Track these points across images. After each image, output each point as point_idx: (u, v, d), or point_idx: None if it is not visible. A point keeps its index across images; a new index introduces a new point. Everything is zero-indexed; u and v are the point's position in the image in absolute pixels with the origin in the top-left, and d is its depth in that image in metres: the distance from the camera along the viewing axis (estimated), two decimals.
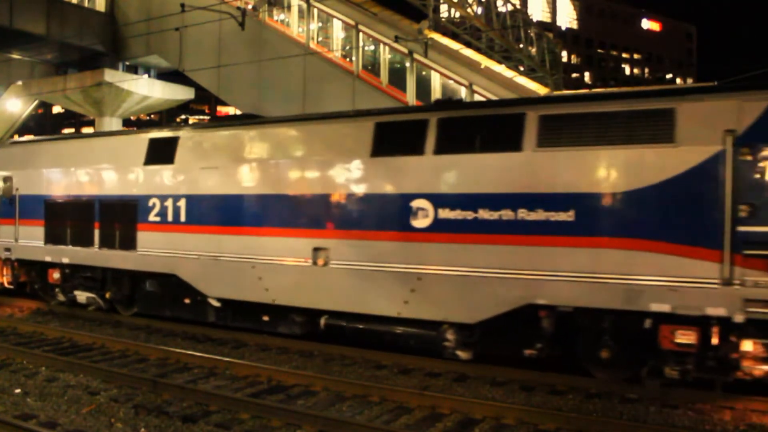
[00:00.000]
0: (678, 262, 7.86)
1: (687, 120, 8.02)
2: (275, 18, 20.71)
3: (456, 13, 22.17)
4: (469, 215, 9.09)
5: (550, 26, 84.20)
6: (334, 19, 19.53)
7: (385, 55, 18.33)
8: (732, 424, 7.39)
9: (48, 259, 13.69)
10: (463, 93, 16.98)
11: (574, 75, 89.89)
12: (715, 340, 7.81)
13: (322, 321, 10.31)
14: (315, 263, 10.20)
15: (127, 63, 24.28)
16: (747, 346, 7.69)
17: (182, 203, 11.68)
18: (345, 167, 10.12)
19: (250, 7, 20.05)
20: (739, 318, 7.56)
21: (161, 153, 12.07)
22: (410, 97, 17.40)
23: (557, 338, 8.80)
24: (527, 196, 8.73)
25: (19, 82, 26.33)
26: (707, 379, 8.06)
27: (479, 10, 21.99)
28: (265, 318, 11.02)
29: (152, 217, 12.05)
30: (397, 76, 18.11)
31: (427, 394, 7.98)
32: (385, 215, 9.70)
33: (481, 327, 9.11)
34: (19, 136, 26.83)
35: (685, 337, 7.94)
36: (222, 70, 20.29)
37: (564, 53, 78.11)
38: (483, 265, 8.94)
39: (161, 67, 24.74)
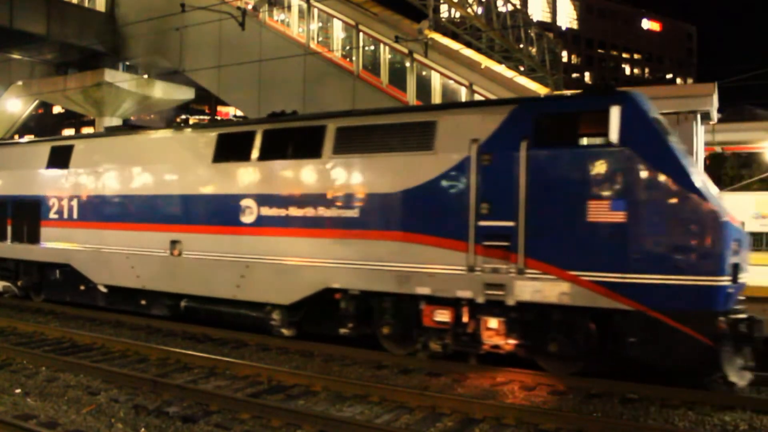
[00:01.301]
0: (436, 251, 9.34)
1: (444, 131, 9.49)
2: (275, 18, 20.72)
3: (456, 13, 22.19)
4: (282, 212, 10.74)
5: (550, 26, 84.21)
6: (335, 19, 19.54)
7: (385, 55, 18.34)
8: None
9: None
10: (463, 93, 17.00)
11: (575, 75, 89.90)
12: (465, 318, 9.28)
13: (182, 303, 12.11)
14: (172, 254, 12.02)
15: (128, 63, 24.29)
16: (489, 323, 9.14)
17: (75, 203, 13.59)
18: (194, 171, 11.89)
19: (250, 7, 20.06)
20: (480, 299, 9.04)
21: (60, 159, 13.99)
22: (410, 97, 17.41)
23: (359, 319, 10.22)
24: (324, 196, 10.36)
25: (20, 82, 26.34)
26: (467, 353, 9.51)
27: (479, 10, 21.99)
28: (143, 302, 12.82)
29: (52, 215, 14.01)
30: (398, 76, 18.12)
31: (427, 394, 7.98)
32: (222, 212, 11.40)
33: (296, 307, 10.72)
34: (20, 136, 26.83)
35: (442, 316, 9.42)
36: (222, 71, 20.29)
37: (564, 53, 78.11)
38: (293, 255, 10.58)
39: (161, 67, 24.73)
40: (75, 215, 13.55)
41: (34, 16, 20.97)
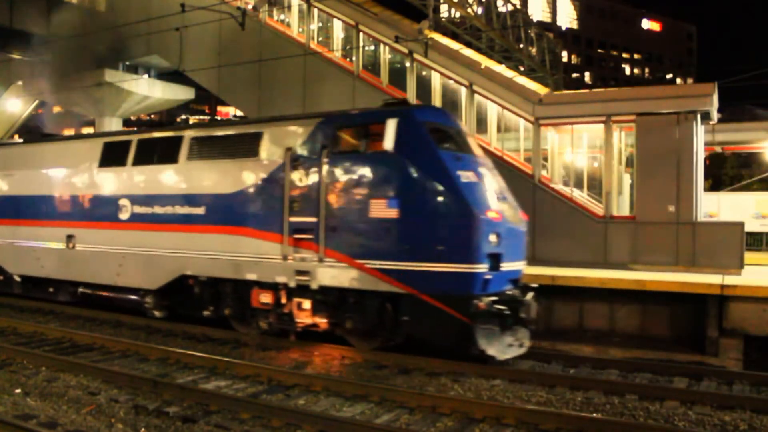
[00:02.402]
0: (260, 243, 10.90)
1: (267, 141, 11.08)
2: (275, 18, 20.71)
3: (456, 13, 22.18)
4: (149, 210, 12.47)
5: (550, 26, 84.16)
6: (335, 19, 19.53)
7: (385, 55, 18.33)
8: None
9: None
10: (463, 93, 16.98)
11: (575, 75, 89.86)
12: (283, 300, 10.79)
13: (79, 290, 13.90)
14: (68, 247, 13.85)
15: (128, 63, 24.26)
16: (301, 304, 10.60)
17: None
18: (84, 175, 13.73)
19: (250, 7, 20.05)
20: (292, 284, 10.54)
21: None
22: (411, 97, 17.38)
23: (214, 302, 11.81)
24: (180, 196, 12.03)
25: (19, 82, 26.33)
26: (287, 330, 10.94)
27: (479, 10, 21.99)
28: (50, 289, 14.54)
29: None
30: (398, 76, 18.10)
31: (427, 394, 7.99)
32: (105, 211, 13.19)
33: (164, 292, 12.44)
34: (20, 136, 26.83)
35: (266, 298, 10.97)
36: (222, 71, 20.29)
37: (564, 53, 78.07)
38: (157, 247, 12.28)
39: (162, 67, 24.72)
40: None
41: (34, 16, 20.97)
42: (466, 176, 9.66)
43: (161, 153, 12.56)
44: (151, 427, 7.04)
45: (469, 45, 20.50)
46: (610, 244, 14.73)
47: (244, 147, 11.39)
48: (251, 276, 11.05)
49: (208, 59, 20.73)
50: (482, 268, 9.36)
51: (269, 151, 11.02)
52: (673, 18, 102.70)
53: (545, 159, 16.34)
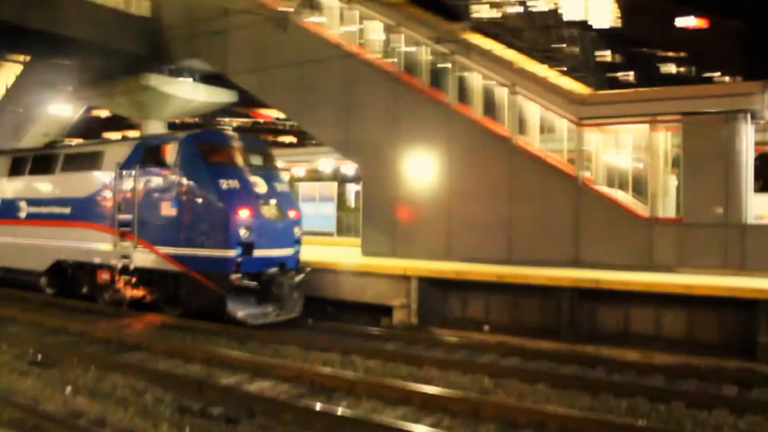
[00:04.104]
0: (101, 234, 14.42)
1: (107, 156, 14.78)
2: (315, 20, 20.79)
3: (496, 14, 21.99)
4: (37, 210, 16.29)
5: (592, 25, 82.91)
6: (375, 21, 19.53)
7: (425, 57, 18.28)
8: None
9: None
10: (505, 94, 16.83)
11: (618, 74, 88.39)
12: (116, 278, 14.28)
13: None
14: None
15: (171, 67, 24.62)
16: (125, 281, 14.12)
17: None
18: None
19: (290, 10, 20.19)
20: (120, 265, 14.00)
21: None
22: (452, 99, 17.30)
23: (82, 282, 15.39)
24: (54, 199, 15.80)
25: (69, 87, 27.02)
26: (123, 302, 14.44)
27: (520, 11, 21.75)
28: None
29: None
30: (439, 78, 18.03)
31: (470, 399, 7.94)
32: (12, 210, 16.96)
33: (52, 275, 16.03)
34: (70, 139, 27.55)
35: (105, 276, 14.59)
36: (264, 73, 20.48)
37: (607, 52, 76.93)
38: (42, 238, 15.94)
39: (204, 71, 25.06)
40: None
41: (81, 23, 21.46)
42: (226, 183, 12.78)
43: (45, 166, 16.43)
44: (195, 427, 7.14)
45: (510, 46, 20.31)
46: (655, 247, 14.45)
47: (93, 162, 15.03)
48: (96, 260, 14.60)
49: (249, 62, 20.95)
50: (233, 253, 12.46)
51: (107, 165, 14.58)
52: (720, 15, 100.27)
53: (588, 160, 16.09)
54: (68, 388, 8.50)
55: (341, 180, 35.01)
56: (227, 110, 65.76)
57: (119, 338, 11.64)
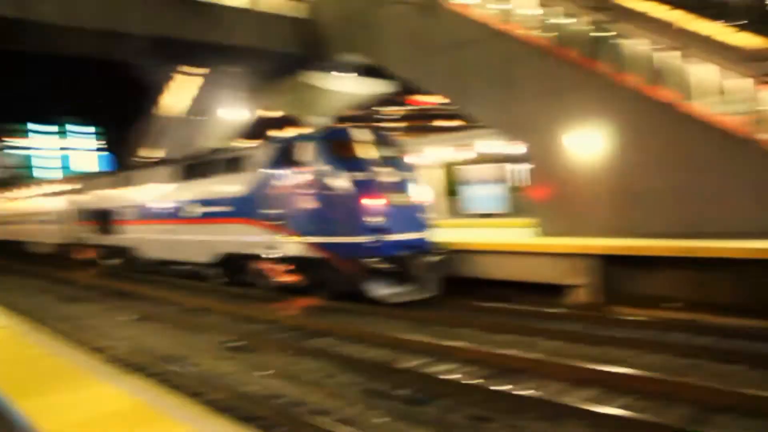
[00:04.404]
0: (259, 229, 15.65)
1: (257, 159, 16.03)
2: (465, 1, 20.60)
3: None
4: (208, 209, 17.70)
5: None
6: None
7: (583, 28, 17.55)
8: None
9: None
10: (672, 58, 15.79)
11: None
12: (272, 267, 15.49)
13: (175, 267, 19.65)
14: (166, 236, 19.81)
15: (330, 63, 25.55)
16: (280, 268, 15.27)
17: (129, 210, 22.21)
18: (167, 187, 20.01)
19: None
20: (274, 255, 15.28)
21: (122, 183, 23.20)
22: (614, 68, 16.50)
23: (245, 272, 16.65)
24: (220, 199, 17.19)
25: (241, 93, 28.94)
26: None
27: None
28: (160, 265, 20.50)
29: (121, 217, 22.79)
30: (599, 49, 17.23)
31: (663, 380, 7.60)
32: (186, 211, 18.63)
33: (219, 266, 17.50)
34: (246, 140, 29.57)
35: (263, 266, 15.80)
36: (419, 61, 20.71)
37: None
38: (214, 234, 17.41)
39: (361, 64, 25.78)
40: (135, 216, 21.70)
41: (247, 31, 22.88)
42: (357, 176, 13.87)
43: (211, 170, 17.95)
44: (382, 408, 7.46)
45: (676, 5, 18.97)
46: None
47: (246, 164, 16.44)
48: (256, 251, 15.89)
49: (404, 51, 21.26)
50: (366, 239, 13.49)
51: (258, 166, 15.98)
52: None
53: None
54: (269, 372, 9.19)
55: (510, 160, 34.70)
56: (390, 100, 67.21)
57: (305, 325, 12.32)
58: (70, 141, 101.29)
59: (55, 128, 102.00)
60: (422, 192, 14.95)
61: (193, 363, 10.02)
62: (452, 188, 38.46)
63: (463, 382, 8.12)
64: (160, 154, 37.75)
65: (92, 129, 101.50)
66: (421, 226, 14.55)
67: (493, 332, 11.09)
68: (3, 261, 32.57)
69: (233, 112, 30.31)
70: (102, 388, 5.23)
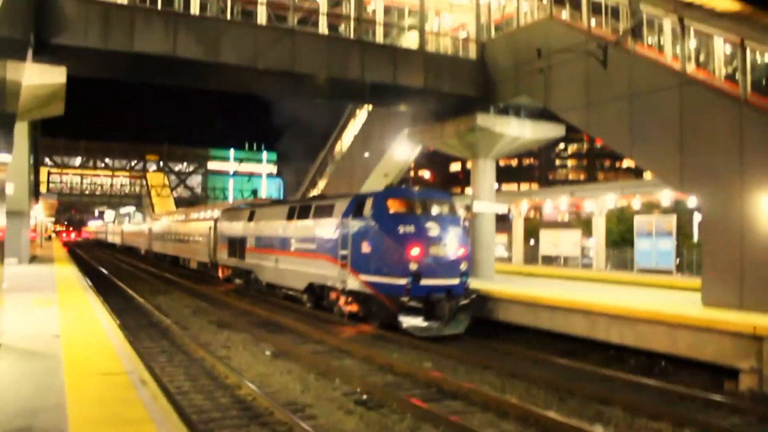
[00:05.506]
0: (332, 265, 19.24)
1: (336, 208, 19.72)
2: (641, 44, 19.27)
3: None
4: (301, 246, 21.84)
5: None
6: (714, 38, 17.39)
7: None
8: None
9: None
10: None
11: None
12: (340, 297, 19.36)
13: (282, 291, 24.14)
14: (275, 265, 24.32)
15: (498, 106, 25.08)
16: (344, 300, 19.15)
17: (254, 239, 27.14)
18: (281, 225, 24.05)
19: (612, 40, 19.08)
20: (342, 288, 18.81)
21: (250, 218, 28.39)
22: None
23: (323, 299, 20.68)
24: (309, 237, 21.21)
25: (405, 131, 29.29)
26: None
27: None
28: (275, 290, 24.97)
29: (250, 245, 27.45)
30: None
31: None
32: (287, 245, 23.06)
33: (308, 292, 21.60)
34: (409, 179, 29.83)
35: (334, 295, 19.71)
36: (590, 107, 19.71)
37: None
38: (302, 266, 21.63)
39: (530, 107, 25.05)
40: (256, 245, 26.49)
41: (414, 72, 23.10)
42: (404, 228, 16.74)
43: (306, 213, 21.95)
44: None
45: None
46: None
47: (329, 211, 20.18)
48: (329, 283, 19.54)
49: (574, 96, 20.38)
50: (404, 281, 16.26)
51: (336, 214, 19.53)
52: None
53: None
54: None
55: (682, 212, 32.01)
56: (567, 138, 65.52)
57: (440, 383, 11.76)
58: (258, 167, 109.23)
59: (249, 155, 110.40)
60: (463, 245, 17.48)
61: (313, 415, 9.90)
62: (618, 238, 35.90)
63: None
64: (323, 183, 39.78)
65: (274, 157, 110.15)
66: (455, 273, 16.98)
67: (641, 416, 9.99)
68: (163, 272, 35.82)
69: (396, 150, 30.81)
70: None
